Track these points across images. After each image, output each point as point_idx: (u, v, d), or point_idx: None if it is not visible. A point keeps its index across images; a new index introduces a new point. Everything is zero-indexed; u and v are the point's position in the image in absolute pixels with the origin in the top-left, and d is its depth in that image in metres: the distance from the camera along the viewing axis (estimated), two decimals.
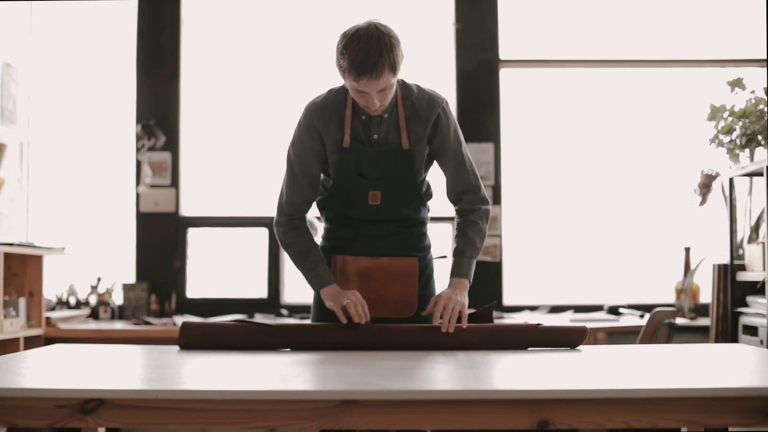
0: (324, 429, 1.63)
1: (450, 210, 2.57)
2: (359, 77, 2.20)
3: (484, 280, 4.66)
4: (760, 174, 3.77)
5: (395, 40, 2.25)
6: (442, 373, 1.87)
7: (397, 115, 2.39)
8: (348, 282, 2.47)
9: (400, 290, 2.48)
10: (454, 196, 2.50)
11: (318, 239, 2.55)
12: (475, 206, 2.49)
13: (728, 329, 3.97)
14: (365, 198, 2.44)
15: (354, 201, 2.46)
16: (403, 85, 2.42)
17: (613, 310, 4.43)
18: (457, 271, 2.44)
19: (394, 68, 2.23)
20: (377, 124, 2.38)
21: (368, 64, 2.19)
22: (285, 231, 2.46)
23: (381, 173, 2.41)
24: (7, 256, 3.96)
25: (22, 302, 4.03)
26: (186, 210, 4.84)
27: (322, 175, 2.51)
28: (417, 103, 2.39)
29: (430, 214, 2.61)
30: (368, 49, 2.20)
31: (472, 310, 2.39)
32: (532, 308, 4.67)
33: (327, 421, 1.61)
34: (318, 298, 2.52)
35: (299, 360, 2.10)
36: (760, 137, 3.91)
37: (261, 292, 4.75)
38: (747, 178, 4.12)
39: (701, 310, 4.60)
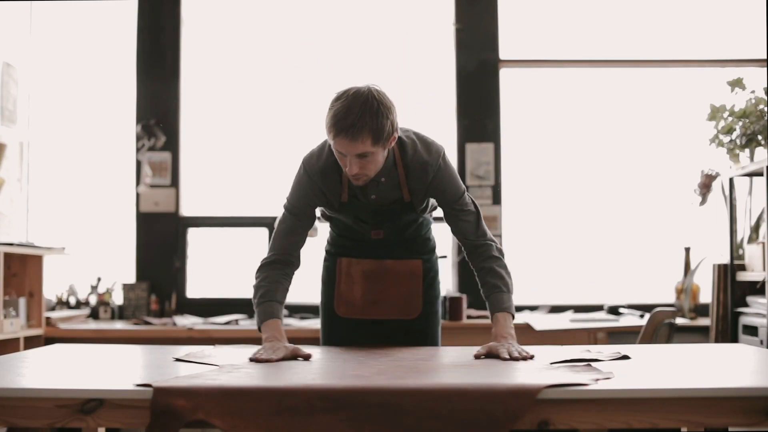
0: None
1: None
2: (336, 135, 2.12)
3: None
4: (760, 174, 3.77)
5: (385, 107, 2.12)
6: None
7: (396, 176, 2.33)
8: (353, 284, 2.49)
9: (404, 291, 2.49)
10: (459, 238, 2.44)
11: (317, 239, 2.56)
12: (488, 242, 2.41)
13: (728, 329, 3.97)
14: (368, 234, 2.46)
15: (357, 234, 2.48)
16: (400, 144, 2.31)
17: (613, 310, 4.43)
18: (498, 306, 2.34)
19: (375, 135, 2.11)
20: (374, 186, 2.32)
21: (347, 122, 2.09)
22: (258, 267, 2.39)
23: (382, 219, 2.41)
24: (7, 256, 3.96)
25: (22, 302, 4.03)
26: (186, 210, 4.84)
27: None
28: (411, 165, 2.31)
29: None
30: (351, 107, 2.10)
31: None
32: (532, 308, 4.67)
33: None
34: (325, 306, 2.53)
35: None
36: (760, 137, 3.91)
37: None
38: (747, 178, 4.11)
39: (701, 310, 4.59)
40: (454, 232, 2.44)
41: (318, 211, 2.49)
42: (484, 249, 2.40)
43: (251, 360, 2.10)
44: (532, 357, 2.13)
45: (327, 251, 2.60)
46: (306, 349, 2.29)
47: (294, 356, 2.14)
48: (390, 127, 2.14)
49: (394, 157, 2.31)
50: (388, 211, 2.39)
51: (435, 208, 2.57)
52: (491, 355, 2.16)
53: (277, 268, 2.35)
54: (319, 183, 2.34)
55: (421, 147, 2.33)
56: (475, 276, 2.43)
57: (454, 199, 2.38)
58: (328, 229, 2.62)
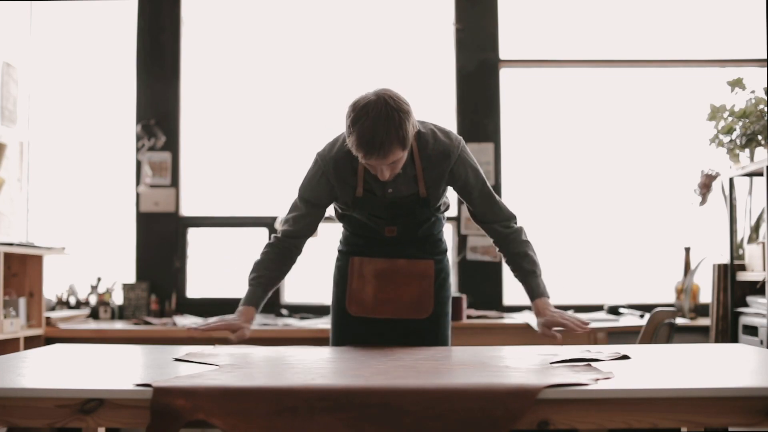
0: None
1: (453, 211, 2.57)
2: (367, 156, 2.16)
3: (485, 279, 4.66)
4: (760, 174, 3.77)
5: (404, 113, 2.16)
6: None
7: (413, 168, 2.36)
8: (365, 283, 2.51)
9: (416, 291, 2.51)
10: (484, 223, 2.49)
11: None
12: (514, 226, 2.49)
13: (728, 329, 3.97)
14: (382, 231, 2.48)
15: (371, 231, 2.50)
16: (419, 136, 2.35)
17: (613, 310, 4.43)
18: (537, 292, 2.42)
19: (403, 144, 2.17)
20: (391, 180, 2.35)
21: (375, 143, 2.12)
22: (267, 243, 2.48)
23: (397, 214, 2.43)
24: (7, 256, 3.96)
25: (22, 302, 4.03)
26: (186, 210, 4.84)
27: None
28: (432, 154, 2.35)
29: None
30: (376, 127, 2.12)
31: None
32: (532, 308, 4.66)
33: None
34: (336, 319, 2.54)
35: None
36: (760, 137, 3.91)
37: None
38: (747, 178, 4.12)
39: (701, 310, 4.59)
40: (480, 219, 2.48)
41: (330, 210, 2.51)
42: (515, 235, 2.47)
43: (191, 329, 2.36)
44: (587, 324, 2.32)
45: (339, 251, 2.62)
46: (313, 349, 2.33)
47: (227, 328, 2.36)
48: (412, 128, 2.21)
49: (412, 150, 2.34)
50: (403, 207, 2.40)
51: (448, 208, 2.58)
52: (556, 324, 2.34)
53: (279, 251, 2.45)
54: (333, 179, 2.37)
55: (441, 135, 2.38)
56: (504, 261, 2.52)
57: (477, 184, 2.42)
58: (341, 228, 2.63)
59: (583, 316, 4.27)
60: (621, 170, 4.90)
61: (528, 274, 2.42)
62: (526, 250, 2.44)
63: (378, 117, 2.12)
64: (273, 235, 2.50)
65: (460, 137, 2.42)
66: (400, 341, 2.48)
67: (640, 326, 3.86)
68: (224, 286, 4.80)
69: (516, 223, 2.50)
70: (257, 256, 2.47)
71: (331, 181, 2.37)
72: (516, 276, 2.46)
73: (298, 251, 2.49)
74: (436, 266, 2.54)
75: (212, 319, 2.38)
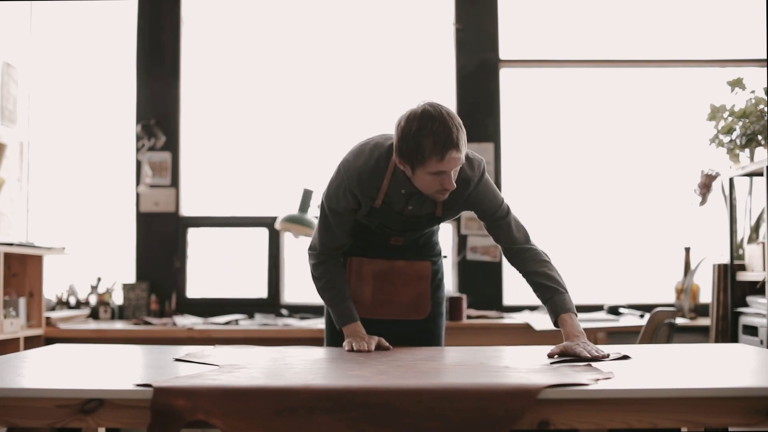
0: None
1: None
2: (446, 153, 2.14)
3: (485, 279, 4.66)
4: (760, 174, 3.77)
5: (449, 109, 2.21)
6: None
7: None
8: (363, 284, 2.52)
9: (413, 292, 2.53)
10: (501, 245, 2.49)
11: None
12: (533, 247, 2.46)
13: (728, 329, 3.97)
14: (387, 240, 2.49)
15: (373, 236, 2.50)
16: None
17: (613, 310, 4.43)
18: (563, 307, 2.34)
19: (465, 140, 2.21)
20: (417, 200, 2.35)
21: (452, 138, 2.14)
22: (314, 264, 2.49)
23: (408, 228, 2.45)
24: (7, 256, 3.96)
25: (22, 302, 4.03)
26: (186, 210, 4.84)
27: None
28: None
29: None
30: (448, 125, 2.14)
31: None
32: (532, 308, 4.67)
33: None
34: (330, 319, 2.55)
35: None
36: (760, 137, 3.91)
37: (261, 292, 4.74)
38: (747, 178, 4.12)
39: (701, 310, 4.59)
40: (496, 240, 2.48)
41: None
42: (532, 253, 2.44)
43: (348, 351, 2.30)
44: (607, 356, 2.13)
45: None
46: (312, 349, 2.37)
47: (378, 347, 2.38)
48: None
49: None
50: (416, 223, 2.42)
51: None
52: (566, 354, 2.16)
53: (332, 264, 2.48)
54: (355, 188, 2.35)
55: (464, 161, 2.34)
56: (523, 278, 2.47)
57: (493, 209, 2.41)
58: None
59: (583, 316, 4.31)
60: (621, 170, 4.90)
61: (551, 291, 2.36)
62: (544, 270, 2.40)
63: (441, 117, 2.15)
64: (314, 253, 2.49)
65: (482, 160, 2.40)
66: (398, 342, 2.49)
67: (640, 326, 3.86)
68: (224, 286, 4.80)
69: (530, 245, 2.46)
70: (318, 281, 2.48)
71: (354, 191, 2.36)
72: (539, 296, 2.41)
73: (341, 254, 2.53)
74: (432, 267, 2.57)
75: (355, 346, 2.33)
